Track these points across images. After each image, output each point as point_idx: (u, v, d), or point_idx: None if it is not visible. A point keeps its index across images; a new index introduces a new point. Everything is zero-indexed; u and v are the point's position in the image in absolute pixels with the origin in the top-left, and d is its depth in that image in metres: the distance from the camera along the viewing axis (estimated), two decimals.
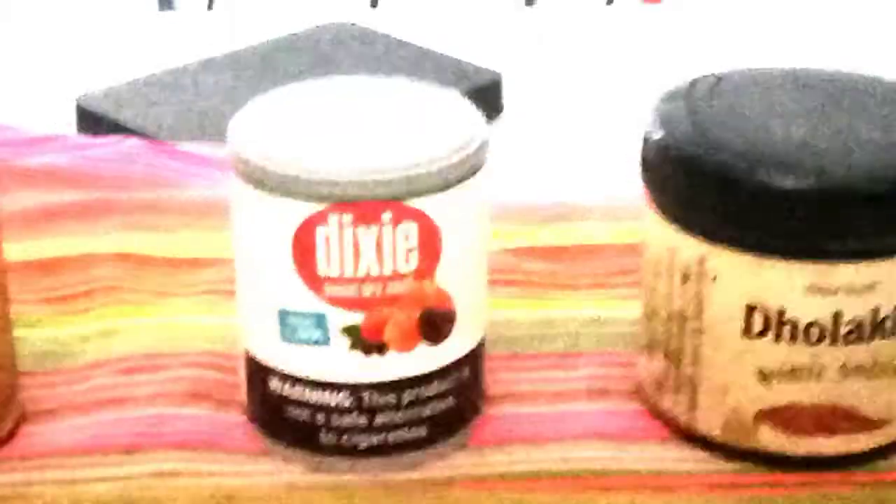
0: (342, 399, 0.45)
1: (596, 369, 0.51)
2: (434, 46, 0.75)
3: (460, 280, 0.45)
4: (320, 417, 0.45)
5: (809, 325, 0.44)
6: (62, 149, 0.66)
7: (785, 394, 0.45)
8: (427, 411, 0.45)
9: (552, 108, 0.73)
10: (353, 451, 0.45)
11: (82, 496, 0.45)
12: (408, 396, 0.45)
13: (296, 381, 0.45)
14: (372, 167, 0.42)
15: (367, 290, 0.43)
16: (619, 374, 0.50)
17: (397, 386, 0.45)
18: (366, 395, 0.45)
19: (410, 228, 0.43)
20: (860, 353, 0.44)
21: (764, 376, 0.45)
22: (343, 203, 0.42)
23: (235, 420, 0.48)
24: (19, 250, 0.58)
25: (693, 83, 0.48)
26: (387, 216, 0.43)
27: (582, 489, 0.45)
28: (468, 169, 0.44)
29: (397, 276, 0.43)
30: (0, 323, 0.46)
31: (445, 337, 0.45)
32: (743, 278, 0.44)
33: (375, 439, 0.45)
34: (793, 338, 0.44)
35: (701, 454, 0.47)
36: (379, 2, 1.69)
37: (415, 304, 0.44)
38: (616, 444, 0.47)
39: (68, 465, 0.46)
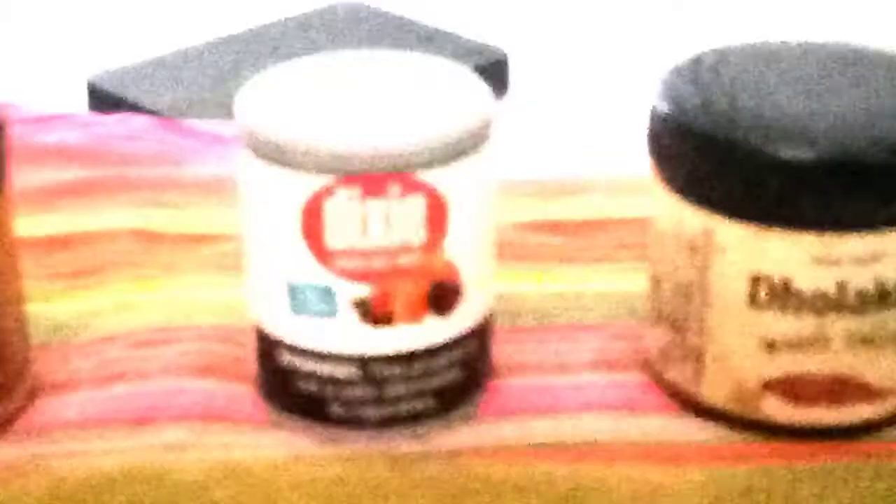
0: (351, 371, 0.45)
1: (602, 342, 0.51)
2: (442, 26, 0.76)
3: (468, 253, 0.45)
4: (329, 390, 0.45)
5: (815, 295, 0.44)
6: (73, 126, 0.66)
7: (790, 364, 0.45)
8: (435, 383, 0.46)
9: (558, 85, 0.73)
10: (361, 423, 0.46)
11: (93, 468, 0.45)
12: (416, 369, 0.45)
13: (304, 353, 0.45)
14: (380, 140, 0.42)
15: (376, 263, 0.44)
16: (625, 347, 0.51)
17: (405, 358, 0.45)
18: (374, 367, 0.45)
19: (418, 201, 0.43)
20: (865, 323, 0.45)
21: (769, 347, 0.45)
22: (351, 176, 0.43)
23: (245, 392, 0.48)
24: (32, 226, 0.58)
25: (699, 57, 0.48)
26: (395, 189, 0.43)
27: (588, 460, 0.46)
28: (476, 142, 0.44)
29: (405, 249, 0.44)
30: (13, 297, 0.46)
31: (453, 309, 0.45)
32: (749, 249, 0.44)
33: (384, 411, 0.46)
34: (798, 308, 0.44)
35: (707, 425, 0.47)
36: None
37: (423, 277, 0.44)
38: (622, 415, 0.47)
39: (79, 438, 0.46)
